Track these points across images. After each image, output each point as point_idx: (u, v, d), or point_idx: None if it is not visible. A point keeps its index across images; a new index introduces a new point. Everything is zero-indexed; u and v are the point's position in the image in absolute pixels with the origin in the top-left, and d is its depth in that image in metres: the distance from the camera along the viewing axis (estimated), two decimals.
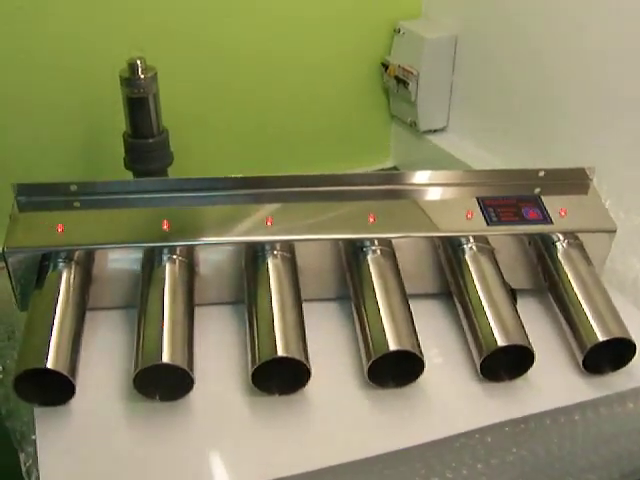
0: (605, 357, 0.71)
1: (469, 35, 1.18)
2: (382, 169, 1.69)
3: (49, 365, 0.62)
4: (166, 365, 0.63)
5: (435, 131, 1.37)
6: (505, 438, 0.66)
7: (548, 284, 0.77)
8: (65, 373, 0.63)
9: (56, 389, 0.65)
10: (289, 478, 0.62)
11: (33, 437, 0.64)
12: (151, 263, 0.73)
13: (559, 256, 0.76)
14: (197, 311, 0.72)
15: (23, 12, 0.96)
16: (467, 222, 0.77)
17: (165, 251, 0.73)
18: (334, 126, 1.32)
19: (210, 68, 1.12)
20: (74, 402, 0.66)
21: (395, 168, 1.74)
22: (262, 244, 0.74)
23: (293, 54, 1.18)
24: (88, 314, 0.72)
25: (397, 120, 1.42)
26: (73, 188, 0.77)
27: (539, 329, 0.75)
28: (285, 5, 1.13)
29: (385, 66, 1.27)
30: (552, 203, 0.80)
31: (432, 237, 0.76)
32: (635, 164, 0.91)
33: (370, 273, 0.72)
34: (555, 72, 1.03)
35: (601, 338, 0.69)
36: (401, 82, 1.25)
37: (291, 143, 1.28)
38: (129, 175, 1.04)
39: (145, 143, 0.98)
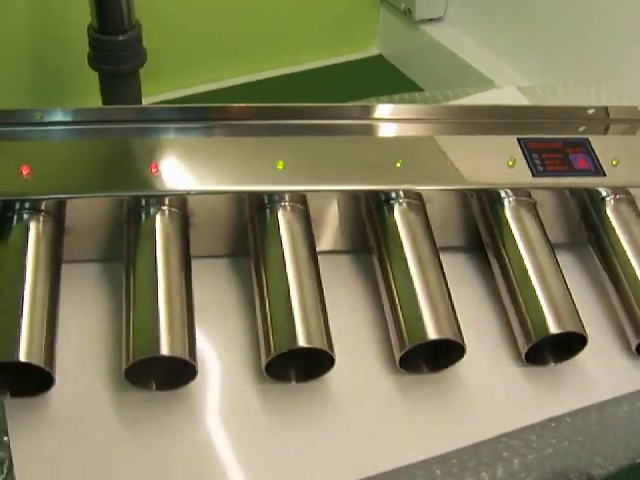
0: None
1: None
2: (366, 57, 1.54)
3: (22, 357, 0.51)
4: (166, 357, 0.53)
5: (430, 20, 1.23)
6: (548, 432, 0.59)
7: (595, 246, 0.68)
8: (42, 366, 0.52)
9: (31, 378, 0.54)
10: None
11: (5, 439, 0.53)
12: (137, 215, 0.60)
13: (609, 212, 0.67)
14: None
15: None
16: (510, 172, 0.66)
17: (153, 201, 0.61)
18: (318, 6, 1.18)
19: None
20: (53, 390, 0.55)
21: (380, 56, 1.58)
22: (270, 194, 0.62)
23: None
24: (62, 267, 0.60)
25: (388, 5, 1.27)
26: (38, 116, 0.63)
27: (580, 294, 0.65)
28: None
29: None
30: (601, 147, 0.69)
31: (467, 190, 0.65)
32: None
33: (400, 238, 0.61)
34: None
35: None
36: None
37: (270, 25, 1.14)
38: (93, 76, 0.89)
39: (114, 40, 0.82)
